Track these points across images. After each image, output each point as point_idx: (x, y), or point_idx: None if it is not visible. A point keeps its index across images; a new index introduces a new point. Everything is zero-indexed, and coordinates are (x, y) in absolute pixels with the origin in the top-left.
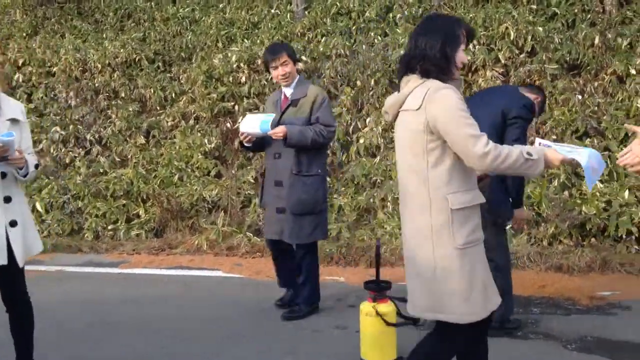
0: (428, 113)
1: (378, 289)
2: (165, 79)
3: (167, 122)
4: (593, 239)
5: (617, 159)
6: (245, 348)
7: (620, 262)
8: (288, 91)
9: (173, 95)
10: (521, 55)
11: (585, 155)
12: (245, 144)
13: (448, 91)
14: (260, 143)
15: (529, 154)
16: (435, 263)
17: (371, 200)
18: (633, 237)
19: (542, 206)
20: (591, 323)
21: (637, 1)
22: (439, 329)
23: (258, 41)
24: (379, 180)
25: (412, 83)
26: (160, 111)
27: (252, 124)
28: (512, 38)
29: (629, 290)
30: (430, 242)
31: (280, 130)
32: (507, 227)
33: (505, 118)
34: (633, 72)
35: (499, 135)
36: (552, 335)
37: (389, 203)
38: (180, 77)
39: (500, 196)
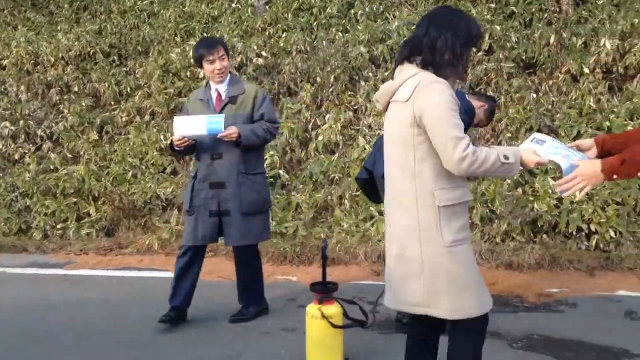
0: (415, 106)
1: (324, 290)
2: (121, 73)
3: (122, 117)
4: (544, 236)
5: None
6: (190, 351)
7: (569, 259)
8: (222, 88)
9: (128, 89)
10: (479, 54)
11: (575, 159)
12: (177, 148)
13: (441, 86)
14: (193, 145)
15: (505, 157)
16: (422, 260)
17: (329, 197)
18: (583, 233)
19: (495, 203)
20: (538, 321)
21: (592, 1)
22: (450, 332)
23: (218, 35)
24: (337, 178)
25: (406, 73)
26: (115, 106)
27: (194, 127)
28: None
29: (576, 287)
30: (418, 239)
31: (234, 131)
32: None
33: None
34: (587, 71)
35: None
36: (499, 334)
37: (346, 201)
38: (136, 72)
39: None
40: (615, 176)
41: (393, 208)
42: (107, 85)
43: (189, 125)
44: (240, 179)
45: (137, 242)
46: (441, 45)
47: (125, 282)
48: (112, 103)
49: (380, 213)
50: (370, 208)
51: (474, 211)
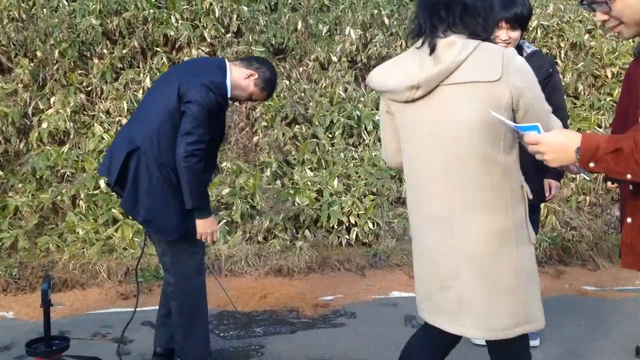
0: (512, 85)
1: (47, 352)
2: None
3: None
4: (307, 231)
5: (324, 146)
6: None
7: (339, 260)
8: None
9: None
10: (227, 35)
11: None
12: None
13: (523, 59)
14: None
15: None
16: (519, 266)
17: (59, 198)
18: (344, 226)
19: (256, 198)
20: (320, 340)
21: None
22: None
23: None
24: (69, 174)
25: (461, 46)
26: None
27: None
28: (217, 16)
29: (351, 292)
30: (512, 243)
31: None
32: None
33: (182, 101)
34: (335, 59)
35: (175, 125)
36: None
37: (81, 201)
38: None
39: (165, 210)
40: (592, 164)
41: (468, 214)
42: None
43: None
44: None
45: None
46: (486, 11)
47: None
48: None
49: (125, 215)
50: (113, 210)
51: (234, 208)
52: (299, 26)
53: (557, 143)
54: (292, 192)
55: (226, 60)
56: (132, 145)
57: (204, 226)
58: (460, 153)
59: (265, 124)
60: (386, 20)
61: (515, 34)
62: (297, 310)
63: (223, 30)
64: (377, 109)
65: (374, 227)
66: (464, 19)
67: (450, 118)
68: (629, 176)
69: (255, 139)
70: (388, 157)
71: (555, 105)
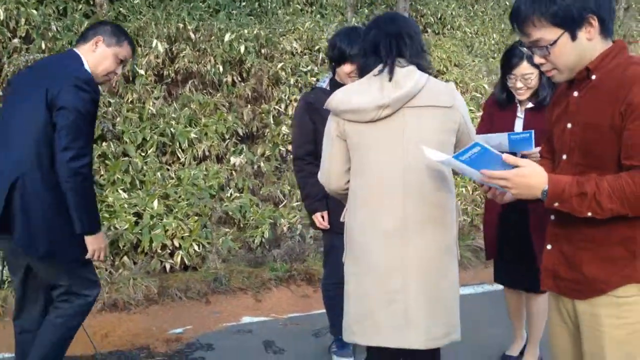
0: (459, 112)
1: None
2: None
3: None
4: (125, 258)
5: (137, 164)
6: None
7: (179, 288)
8: None
9: None
10: (15, 40)
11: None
12: None
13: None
14: None
15: None
16: (455, 279)
17: None
18: (167, 250)
19: None
20: None
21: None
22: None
23: None
24: None
25: (417, 75)
26: None
27: None
28: (1, 19)
29: (200, 322)
30: (452, 257)
31: None
32: None
33: (53, 111)
34: (141, 72)
35: (47, 144)
36: None
37: None
38: None
39: (67, 236)
40: (557, 204)
41: (415, 228)
42: None
43: None
44: None
45: None
46: (419, 45)
47: None
48: None
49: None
50: None
51: None
52: None
53: (524, 183)
54: (107, 215)
55: (73, 49)
56: (11, 177)
57: (95, 242)
58: (418, 170)
59: None
60: (192, 35)
61: None
62: (147, 348)
63: (9, 35)
64: (191, 125)
65: (199, 249)
66: (418, 51)
67: (410, 137)
68: (589, 214)
69: None
70: (333, 179)
71: None
